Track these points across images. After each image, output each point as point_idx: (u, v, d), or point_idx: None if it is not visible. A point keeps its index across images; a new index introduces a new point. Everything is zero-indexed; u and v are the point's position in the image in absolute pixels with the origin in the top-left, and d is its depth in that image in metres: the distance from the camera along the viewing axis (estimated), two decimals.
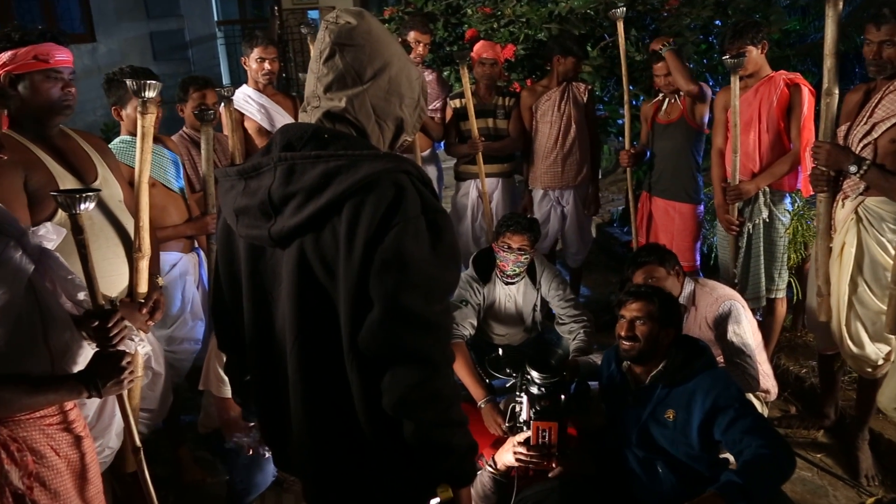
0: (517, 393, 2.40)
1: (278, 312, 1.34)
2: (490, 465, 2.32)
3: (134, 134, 2.67)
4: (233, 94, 3.34)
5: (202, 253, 3.00)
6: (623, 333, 2.23)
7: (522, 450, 2.24)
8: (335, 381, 1.28)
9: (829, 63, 2.57)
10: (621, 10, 3.56)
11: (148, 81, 2.02)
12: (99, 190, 1.84)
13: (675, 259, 2.76)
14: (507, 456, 2.28)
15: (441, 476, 1.35)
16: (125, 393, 1.92)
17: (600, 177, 6.40)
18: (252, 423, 2.35)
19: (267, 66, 3.55)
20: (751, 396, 2.63)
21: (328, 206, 1.18)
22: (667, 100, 3.63)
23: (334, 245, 1.20)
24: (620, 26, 3.60)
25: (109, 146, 2.49)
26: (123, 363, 1.71)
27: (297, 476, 1.37)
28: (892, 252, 2.52)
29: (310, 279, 1.24)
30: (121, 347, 1.77)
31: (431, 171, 4.14)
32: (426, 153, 4.07)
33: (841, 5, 2.51)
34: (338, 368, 1.27)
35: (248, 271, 1.37)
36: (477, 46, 3.89)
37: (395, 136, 1.34)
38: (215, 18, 10.57)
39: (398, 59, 1.31)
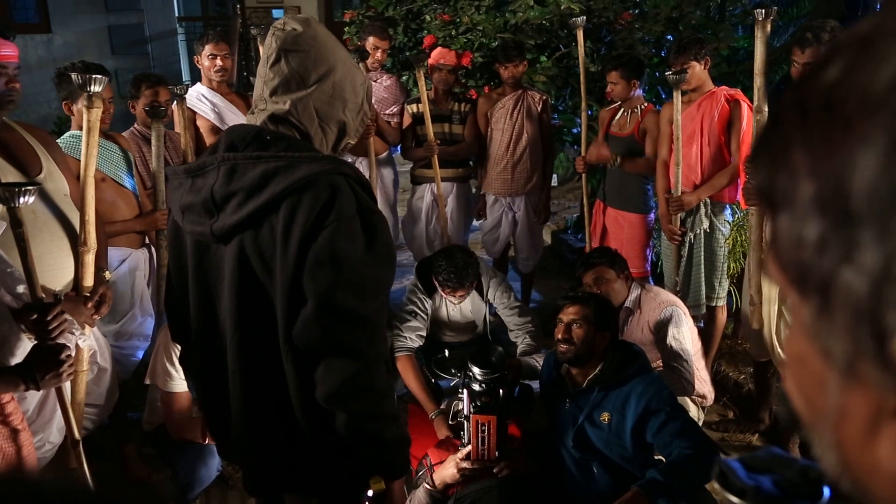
0: (460, 391, 2.46)
1: (221, 307, 1.38)
2: (427, 483, 2.34)
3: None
4: (185, 92, 3.33)
5: (153, 248, 2.98)
6: (560, 336, 2.30)
7: (466, 465, 2.26)
8: (272, 374, 1.32)
9: (758, 82, 2.69)
10: (581, 20, 3.65)
11: (93, 76, 2.01)
12: (39, 184, 1.84)
13: (625, 264, 2.87)
14: (447, 471, 2.30)
15: (374, 468, 1.39)
16: (66, 387, 1.92)
17: (557, 184, 6.52)
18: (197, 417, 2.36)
19: (219, 62, 3.51)
20: (688, 401, 2.74)
21: (266, 205, 1.23)
22: (622, 111, 3.67)
23: (272, 242, 1.25)
24: (580, 35, 3.67)
25: (59, 140, 2.48)
26: (62, 356, 1.72)
27: (238, 465, 1.42)
28: None
29: (249, 274, 1.29)
30: (60, 341, 1.78)
31: (388, 174, 4.18)
32: (382, 156, 4.11)
33: (769, 28, 2.64)
34: (275, 361, 1.31)
35: (194, 266, 1.41)
36: (434, 53, 3.94)
37: (337, 139, 1.39)
38: (176, 14, 10.42)
39: (343, 64, 1.35)
